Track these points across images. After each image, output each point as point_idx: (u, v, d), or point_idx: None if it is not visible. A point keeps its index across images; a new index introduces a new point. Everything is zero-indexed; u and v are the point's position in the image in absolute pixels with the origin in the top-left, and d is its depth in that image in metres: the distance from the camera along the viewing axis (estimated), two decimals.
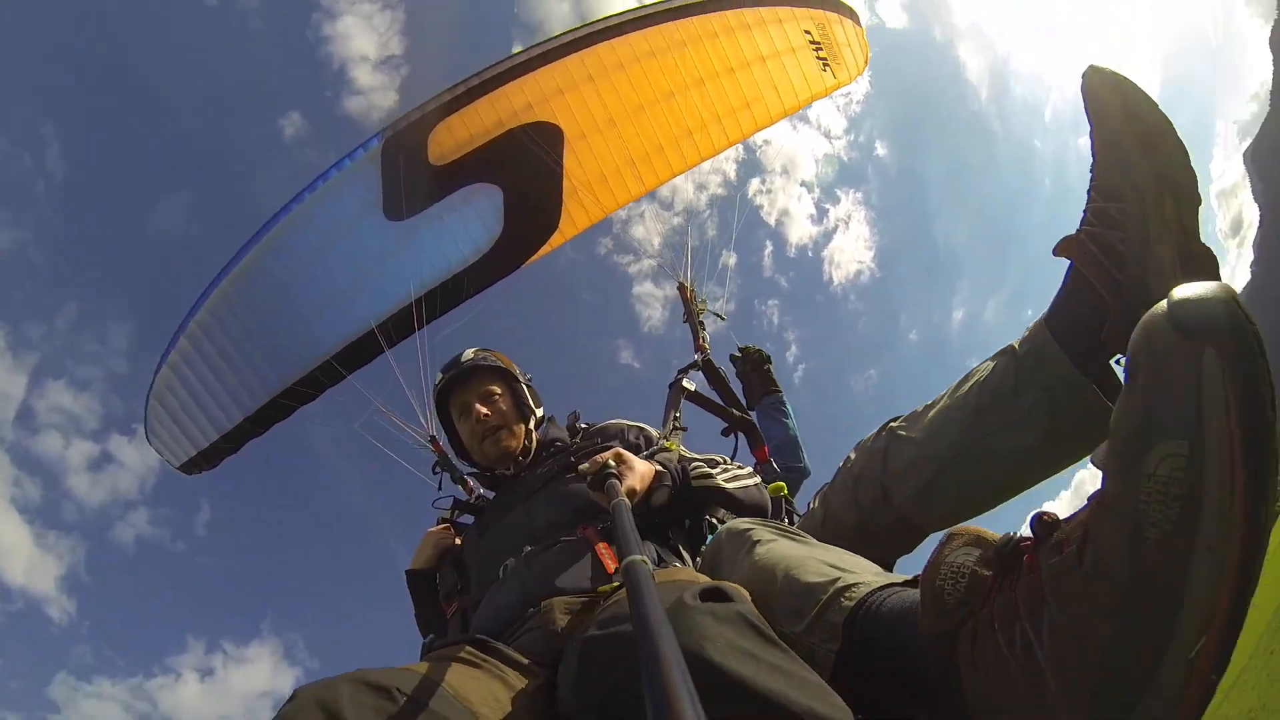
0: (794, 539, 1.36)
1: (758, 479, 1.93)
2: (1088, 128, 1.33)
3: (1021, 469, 1.46)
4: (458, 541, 2.20)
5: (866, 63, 4.48)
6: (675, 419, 2.68)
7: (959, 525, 1.01)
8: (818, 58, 4.30)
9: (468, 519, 2.38)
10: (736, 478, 1.87)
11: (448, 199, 3.67)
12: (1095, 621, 0.74)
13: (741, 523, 1.50)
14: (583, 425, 2.24)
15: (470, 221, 3.69)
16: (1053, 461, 1.44)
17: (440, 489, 3.05)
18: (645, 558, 0.80)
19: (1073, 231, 1.36)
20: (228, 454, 4.08)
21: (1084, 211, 1.34)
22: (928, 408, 1.58)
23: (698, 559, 1.71)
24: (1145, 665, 0.71)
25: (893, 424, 1.63)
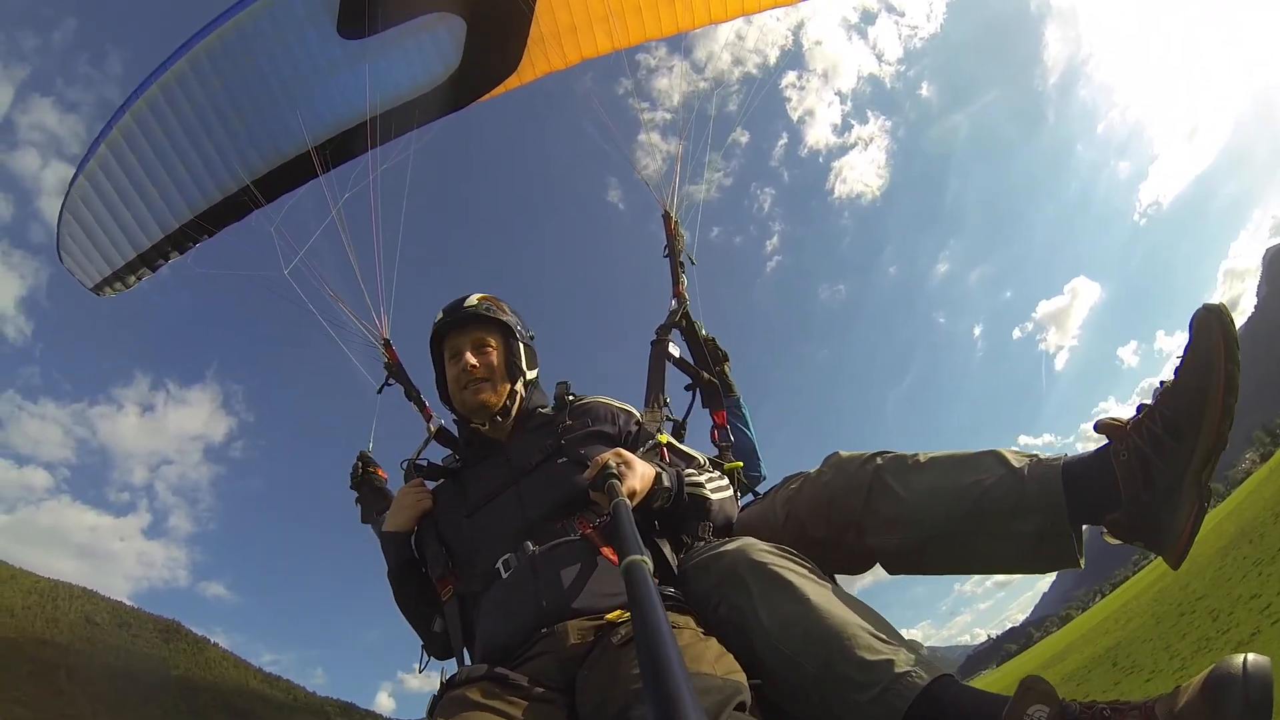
0: (817, 582, 1.49)
1: (731, 491, 2.01)
2: (1186, 342, 1.42)
3: (996, 566, 1.67)
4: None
5: None
6: (664, 402, 2.51)
7: (1031, 678, 1.17)
8: None
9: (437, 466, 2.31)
10: (719, 489, 1.92)
11: (408, 24, 3.45)
12: None
13: (759, 555, 1.56)
14: (570, 397, 2.19)
15: (427, 49, 3.47)
16: (1022, 571, 1.64)
17: (387, 385, 2.88)
18: (645, 558, 0.88)
19: (1120, 419, 1.51)
20: (144, 276, 3.80)
21: (1140, 414, 1.46)
22: (918, 465, 1.70)
23: (679, 554, 1.78)
24: None
25: (879, 462, 1.74)
